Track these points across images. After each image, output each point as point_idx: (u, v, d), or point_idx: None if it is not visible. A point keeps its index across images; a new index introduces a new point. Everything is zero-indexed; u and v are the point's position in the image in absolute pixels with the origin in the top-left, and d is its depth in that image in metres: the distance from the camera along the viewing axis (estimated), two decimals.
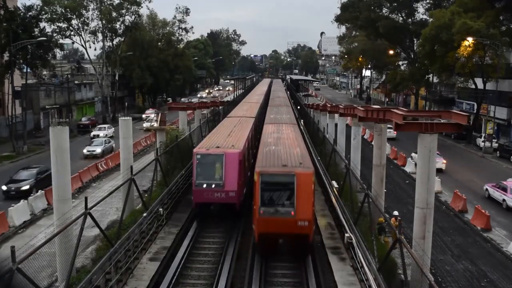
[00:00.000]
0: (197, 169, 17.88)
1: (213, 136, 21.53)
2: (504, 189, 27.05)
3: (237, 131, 22.61)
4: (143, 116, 62.50)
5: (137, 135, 40.22)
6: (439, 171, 29.64)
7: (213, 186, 17.52)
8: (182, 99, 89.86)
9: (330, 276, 13.98)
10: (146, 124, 52.30)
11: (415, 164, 37.48)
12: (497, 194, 27.63)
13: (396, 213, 19.54)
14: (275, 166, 15.32)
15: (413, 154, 38.88)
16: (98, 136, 47.29)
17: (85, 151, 39.73)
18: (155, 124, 51.57)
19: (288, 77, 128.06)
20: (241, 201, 18.32)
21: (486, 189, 28.95)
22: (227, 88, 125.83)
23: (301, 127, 32.88)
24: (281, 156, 16.52)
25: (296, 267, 14.97)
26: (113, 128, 51.06)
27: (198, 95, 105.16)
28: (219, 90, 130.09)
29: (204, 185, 17.59)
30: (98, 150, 39.97)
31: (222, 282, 13.69)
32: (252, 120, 27.19)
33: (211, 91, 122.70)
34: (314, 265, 14.64)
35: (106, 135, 48.66)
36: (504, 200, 26.71)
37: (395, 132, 43.36)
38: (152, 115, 62.30)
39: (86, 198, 11.74)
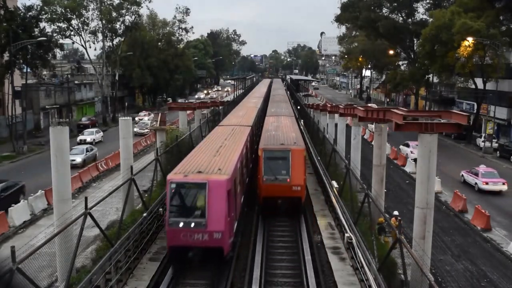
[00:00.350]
0: (171, 203, 13.85)
1: (196, 155, 16.46)
2: (476, 174, 30.51)
3: (228, 146, 17.76)
4: (136, 119, 59.25)
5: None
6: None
7: (193, 225, 13.40)
8: (179, 100, 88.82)
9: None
10: (137, 129, 49.97)
11: (407, 156, 37.84)
12: (470, 179, 31.06)
13: (396, 213, 19.56)
14: (275, 145, 19.60)
15: (401, 147, 40.04)
16: (85, 141, 44.84)
17: None
18: (146, 124, 48.75)
19: (288, 77, 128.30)
20: (230, 243, 14.14)
21: (462, 175, 32.27)
22: (225, 89, 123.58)
23: (297, 118, 37.44)
24: (280, 138, 20.64)
25: (291, 226, 18.91)
26: (102, 133, 49.86)
27: (196, 96, 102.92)
28: (217, 90, 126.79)
29: (181, 224, 13.44)
30: (78, 159, 35.20)
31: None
32: (248, 130, 22.30)
33: (209, 91, 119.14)
34: (306, 224, 18.90)
35: (94, 140, 46.42)
36: (476, 183, 30.13)
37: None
38: (146, 118, 60.48)
39: (86, 198, 11.75)
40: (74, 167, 29.98)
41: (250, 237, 17.44)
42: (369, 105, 76.19)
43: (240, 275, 14.70)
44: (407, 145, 40.20)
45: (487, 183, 29.35)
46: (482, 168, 30.78)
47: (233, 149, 17.55)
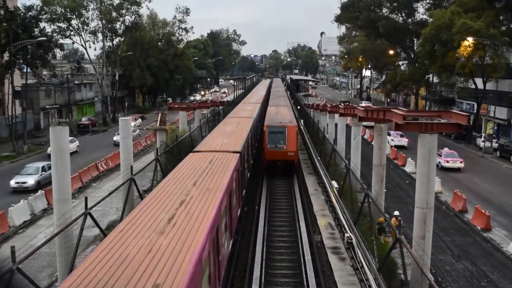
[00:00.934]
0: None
1: (148, 204, 10.27)
2: (440, 155, 34.71)
3: (198, 197, 10.91)
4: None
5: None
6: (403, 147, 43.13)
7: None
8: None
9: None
10: (116, 137, 40.54)
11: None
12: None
13: (397, 213, 19.53)
14: (275, 122, 27.05)
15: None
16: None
17: (13, 182, 28.80)
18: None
19: (288, 77, 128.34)
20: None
21: None
22: (222, 90, 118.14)
23: (293, 108, 48.48)
24: (279, 119, 28.45)
25: (287, 185, 25.54)
26: (77, 142, 42.79)
27: (191, 98, 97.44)
28: (214, 92, 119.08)
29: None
30: (30, 181, 28.70)
31: None
32: (236, 160, 15.47)
33: (205, 93, 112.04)
34: (298, 183, 25.23)
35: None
36: (439, 162, 34.45)
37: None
38: (132, 123, 53.49)
39: (86, 198, 11.74)
40: (24, 191, 27.50)
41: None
42: (364, 103, 78.70)
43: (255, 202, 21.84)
44: (388, 134, 40.19)
45: (448, 162, 35.58)
46: (444, 150, 36.50)
47: (212, 200, 10.83)
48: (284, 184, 25.50)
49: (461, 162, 35.91)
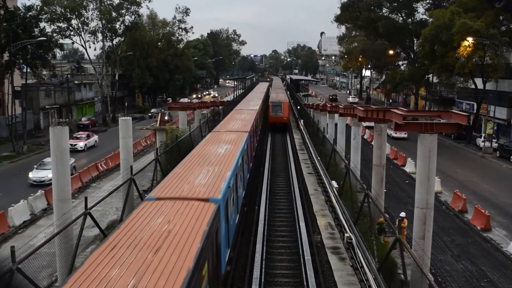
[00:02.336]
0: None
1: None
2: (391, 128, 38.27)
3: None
4: (71, 142, 39.32)
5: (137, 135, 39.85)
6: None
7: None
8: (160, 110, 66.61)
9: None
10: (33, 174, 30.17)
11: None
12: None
13: (403, 214, 19.09)
14: (276, 99, 46.96)
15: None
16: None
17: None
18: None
19: (288, 77, 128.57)
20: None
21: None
22: (212, 95, 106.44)
23: (287, 94, 69.86)
24: (278, 97, 49.26)
25: (283, 136, 42.50)
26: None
27: (187, 100, 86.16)
28: (208, 95, 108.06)
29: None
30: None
31: None
32: (210, 216, 9.26)
33: (202, 95, 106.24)
34: (289, 134, 42.46)
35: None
36: (390, 133, 43.57)
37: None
38: (81, 143, 42.15)
39: (86, 198, 11.74)
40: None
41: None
42: (351, 98, 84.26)
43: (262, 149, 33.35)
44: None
45: (396, 133, 46.19)
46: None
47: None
48: (280, 136, 43.13)
49: (405, 134, 47.37)
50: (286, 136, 41.98)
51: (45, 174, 28.86)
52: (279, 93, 59.02)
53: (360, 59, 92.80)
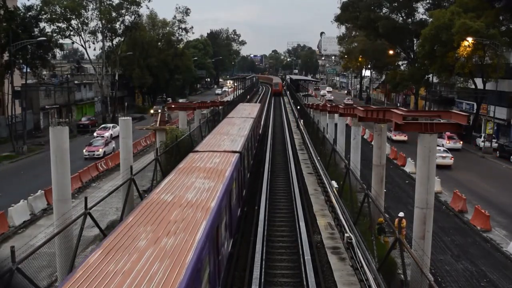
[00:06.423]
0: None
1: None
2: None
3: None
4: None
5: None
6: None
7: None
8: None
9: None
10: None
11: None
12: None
13: (401, 214, 19.22)
14: (276, 81, 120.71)
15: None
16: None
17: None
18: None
19: (288, 77, 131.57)
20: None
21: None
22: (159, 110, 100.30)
23: (283, 83, 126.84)
24: (276, 80, 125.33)
25: (279, 101, 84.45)
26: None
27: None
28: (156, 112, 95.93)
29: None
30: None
31: None
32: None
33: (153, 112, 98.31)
34: (283, 101, 77.85)
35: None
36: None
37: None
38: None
39: (86, 198, 11.73)
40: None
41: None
42: (347, 99, 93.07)
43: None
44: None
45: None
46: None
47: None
48: (280, 136, 44.51)
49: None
50: (281, 105, 76.02)
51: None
52: (277, 80, 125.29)
53: (360, 59, 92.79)
